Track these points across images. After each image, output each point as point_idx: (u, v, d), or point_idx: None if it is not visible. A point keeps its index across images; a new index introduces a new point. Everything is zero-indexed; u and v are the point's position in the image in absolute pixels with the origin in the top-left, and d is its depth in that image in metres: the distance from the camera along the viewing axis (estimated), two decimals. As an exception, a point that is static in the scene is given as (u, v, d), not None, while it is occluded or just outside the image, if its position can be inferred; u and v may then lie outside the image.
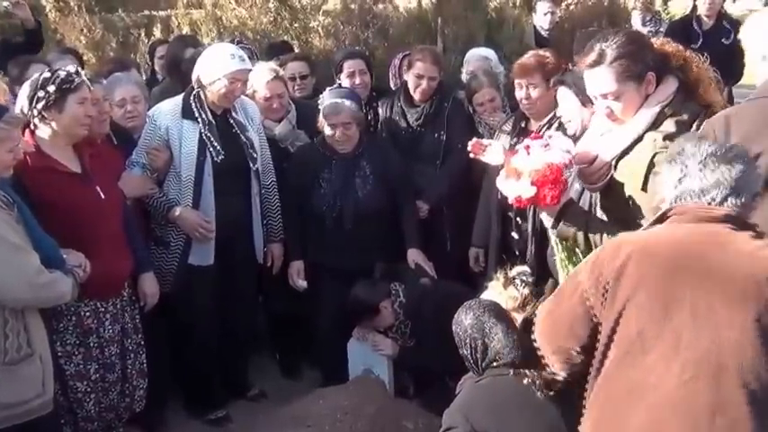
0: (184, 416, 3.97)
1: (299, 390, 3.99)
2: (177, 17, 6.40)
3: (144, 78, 5.23)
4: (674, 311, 1.79)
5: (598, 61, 2.39)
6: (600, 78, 2.41)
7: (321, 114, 3.88)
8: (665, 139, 2.29)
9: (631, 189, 2.37)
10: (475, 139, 2.91)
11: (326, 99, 3.90)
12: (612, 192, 2.44)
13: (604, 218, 2.55)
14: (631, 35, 2.47)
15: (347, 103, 3.84)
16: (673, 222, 1.94)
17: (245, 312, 3.99)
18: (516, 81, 3.65)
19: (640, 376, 1.81)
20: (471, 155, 2.92)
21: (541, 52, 3.72)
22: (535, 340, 2.17)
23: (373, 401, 3.47)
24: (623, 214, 2.38)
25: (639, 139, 2.38)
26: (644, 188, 2.30)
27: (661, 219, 1.98)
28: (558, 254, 2.64)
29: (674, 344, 1.78)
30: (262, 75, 4.04)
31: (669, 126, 2.32)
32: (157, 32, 6.31)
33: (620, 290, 1.87)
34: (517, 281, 2.70)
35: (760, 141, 2.32)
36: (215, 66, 3.60)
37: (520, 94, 3.64)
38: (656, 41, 2.52)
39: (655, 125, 2.37)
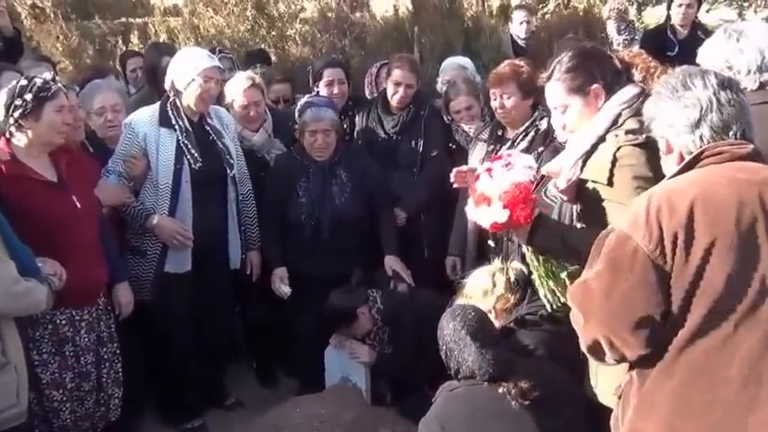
0: (160, 425, 3.95)
1: (275, 398, 3.99)
2: (154, 25, 6.39)
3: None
4: (755, 256, 1.76)
5: (549, 76, 2.47)
6: (549, 92, 2.48)
7: (299, 122, 3.88)
8: (627, 133, 2.29)
9: (598, 186, 2.35)
10: (455, 170, 2.83)
11: (305, 107, 3.91)
12: (584, 196, 2.42)
13: (581, 225, 2.48)
14: (580, 50, 2.48)
15: (327, 111, 3.87)
16: (710, 165, 1.86)
17: (221, 320, 3.98)
18: (491, 90, 3.69)
19: (731, 330, 1.76)
20: (455, 185, 2.84)
21: (516, 62, 3.76)
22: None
23: (350, 409, 3.47)
24: (598, 217, 2.34)
25: (602, 139, 2.37)
26: (609, 183, 2.27)
27: (692, 163, 1.89)
28: (535, 270, 2.55)
29: (762, 289, 1.76)
30: (238, 83, 4.05)
31: (632, 124, 2.31)
32: (134, 40, 6.30)
33: (695, 241, 1.77)
34: (512, 279, 2.76)
35: None
36: (187, 67, 3.61)
37: (494, 103, 3.68)
38: (628, 53, 2.53)
39: (616, 125, 2.36)
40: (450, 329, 2.52)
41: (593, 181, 2.32)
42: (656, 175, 2.12)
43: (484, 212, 2.41)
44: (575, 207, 2.45)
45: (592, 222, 2.34)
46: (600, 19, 6.83)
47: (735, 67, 2.80)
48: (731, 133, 1.87)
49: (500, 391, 2.40)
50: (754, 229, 1.77)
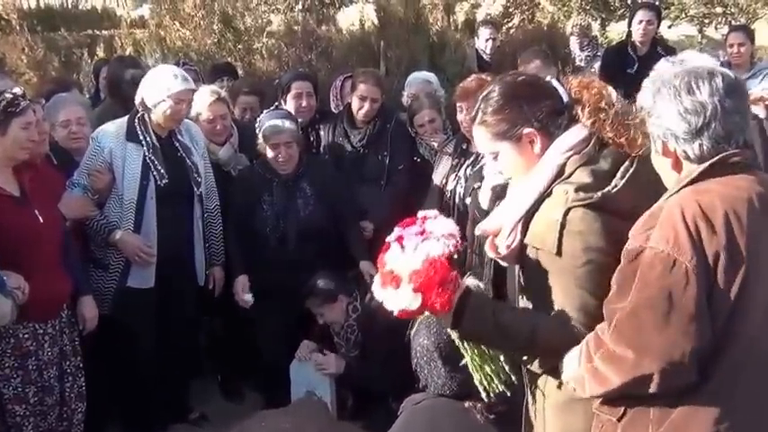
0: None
1: (240, 412, 3.97)
2: (120, 37, 6.36)
3: (87, 97, 5.19)
4: None
5: (473, 118, 2.12)
6: (476, 137, 2.14)
7: (261, 137, 3.90)
8: (577, 190, 1.91)
9: (544, 254, 1.96)
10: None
11: (265, 121, 3.92)
12: (528, 263, 2.03)
13: (524, 300, 2.11)
14: (507, 86, 2.06)
15: (287, 123, 3.88)
16: (726, 177, 1.78)
17: (185, 335, 3.97)
18: (458, 104, 3.76)
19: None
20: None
21: (483, 76, 3.83)
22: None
23: (315, 423, 3.47)
24: (545, 290, 1.99)
25: (547, 194, 1.99)
26: (558, 252, 1.91)
27: (705, 174, 1.79)
28: (465, 354, 2.15)
29: None
30: (204, 97, 4.06)
31: (583, 177, 1.94)
32: (100, 52, 6.27)
33: (735, 263, 1.69)
34: None
35: None
36: (159, 87, 3.60)
37: (460, 116, 3.75)
38: (578, 82, 2.11)
39: (563, 177, 1.98)
40: (422, 347, 2.49)
41: (536, 248, 1.98)
42: (612, 242, 1.87)
43: (392, 295, 1.94)
44: (517, 275, 2.09)
45: (537, 296, 2.02)
46: (563, 35, 6.95)
47: None
48: (732, 141, 1.78)
49: (465, 405, 2.40)
50: None
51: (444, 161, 3.96)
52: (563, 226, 1.90)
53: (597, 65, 6.52)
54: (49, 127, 3.64)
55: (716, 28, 12.43)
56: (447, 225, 2.04)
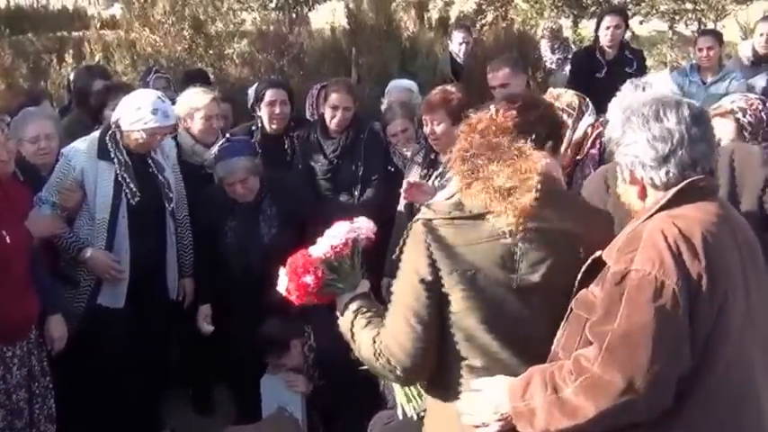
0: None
1: (211, 426, 3.98)
2: (90, 42, 6.28)
3: (58, 110, 5.11)
4: (749, 293, 1.79)
5: None
6: None
7: (215, 175, 3.82)
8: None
9: None
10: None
11: (217, 158, 3.80)
12: None
13: None
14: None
15: (241, 160, 3.74)
16: (696, 203, 1.82)
17: (156, 352, 3.94)
18: (423, 117, 3.77)
19: (747, 361, 1.80)
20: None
21: (448, 88, 3.84)
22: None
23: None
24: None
25: None
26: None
27: (675, 200, 1.81)
28: None
29: (749, 317, 1.78)
30: (201, 96, 4.06)
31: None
32: (69, 58, 6.18)
33: (716, 285, 1.72)
34: None
35: None
36: (136, 116, 3.56)
37: (426, 129, 3.76)
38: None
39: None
40: None
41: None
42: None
43: (282, 278, 2.20)
44: None
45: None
46: (534, 38, 6.98)
47: None
48: (698, 169, 1.82)
49: None
50: (736, 266, 1.79)
51: (414, 171, 3.97)
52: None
53: (568, 68, 6.57)
54: (17, 142, 3.59)
55: (686, 24, 12.56)
56: (361, 223, 2.20)
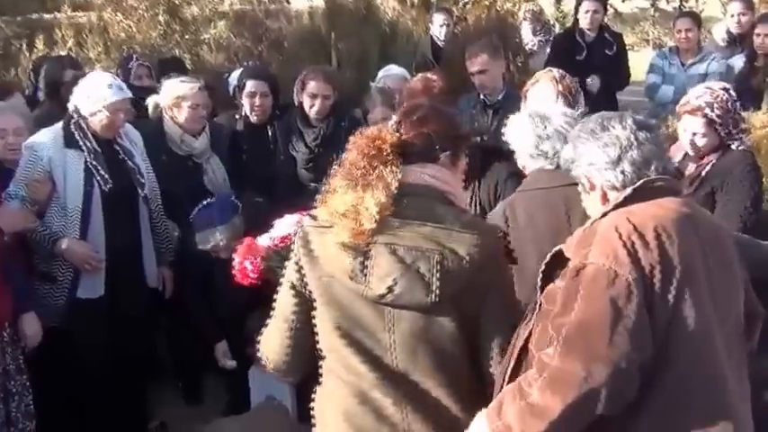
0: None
1: (201, 416, 3.92)
2: (61, 28, 6.11)
3: (25, 96, 4.98)
4: (712, 288, 1.84)
5: None
6: None
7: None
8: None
9: None
10: None
11: (194, 229, 3.75)
12: None
13: None
14: None
15: (215, 231, 3.65)
16: (653, 200, 1.89)
17: (139, 341, 3.88)
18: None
19: (711, 354, 1.82)
20: None
21: (429, 75, 3.81)
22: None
23: (276, 429, 3.45)
24: None
25: None
26: None
27: (632, 198, 1.89)
28: None
29: (712, 315, 1.82)
30: (187, 84, 4.01)
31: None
32: (40, 44, 6.02)
33: (670, 275, 1.77)
34: None
35: (533, 225, 2.63)
36: (93, 97, 3.51)
37: (408, 119, 3.69)
38: None
39: None
40: None
41: None
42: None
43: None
44: None
45: None
46: (515, 23, 6.91)
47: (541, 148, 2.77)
48: (652, 168, 1.92)
49: None
50: (697, 261, 1.83)
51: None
52: None
53: (548, 50, 6.54)
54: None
55: (667, 1, 12.58)
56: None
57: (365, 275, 1.92)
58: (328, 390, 2.07)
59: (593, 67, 5.76)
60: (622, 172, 1.92)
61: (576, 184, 2.10)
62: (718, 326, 1.84)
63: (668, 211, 1.86)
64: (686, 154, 3.43)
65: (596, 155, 1.95)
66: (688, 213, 1.89)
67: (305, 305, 2.04)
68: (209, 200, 3.81)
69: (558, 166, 2.57)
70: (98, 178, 3.55)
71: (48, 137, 3.57)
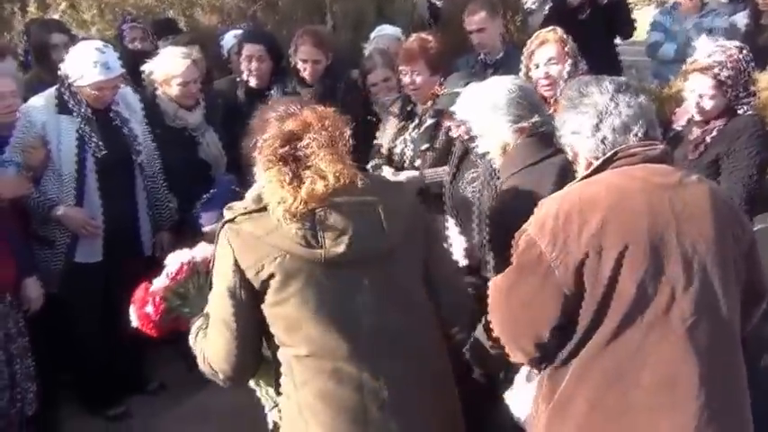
0: (84, 415, 3.86)
1: (201, 380, 3.92)
2: (54, -11, 6.00)
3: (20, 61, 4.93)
4: (666, 263, 1.77)
5: None
6: None
7: None
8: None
9: None
10: None
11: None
12: None
13: None
14: None
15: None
16: (622, 167, 1.86)
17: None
18: (400, 67, 3.67)
19: (643, 336, 1.77)
20: None
21: (424, 35, 3.75)
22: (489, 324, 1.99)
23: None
24: None
25: None
26: None
27: (605, 165, 1.88)
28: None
29: (671, 294, 1.76)
30: (177, 60, 3.88)
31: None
32: (32, 8, 5.93)
33: (605, 252, 1.76)
34: None
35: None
36: (79, 72, 3.48)
37: (405, 80, 3.67)
38: None
39: None
40: None
41: None
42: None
43: (131, 313, 2.33)
44: None
45: None
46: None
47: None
48: (632, 134, 1.87)
49: None
50: (666, 236, 1.77)
51: (391, 122, 3.88)
52: None
53: (549, 6, 6.41)
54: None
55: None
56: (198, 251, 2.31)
57: (317, 240, 1.91)
58: (298, 391, 2.00)
59: (596, 26, 5.64)
60: (603, 140, 1.89)
61: None
62: (671, 302, 1.77)
63: (635, 182, 1.82)
64: (690, 119, 3.30)
65: (577, 123, 1.93)
66: (662, 184, 1.83)
67: (248, 304, 1.96)
68: (209, 193, 3.77)
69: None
70: (91, 145, 3.54)
71: (41, 102, 3.55)
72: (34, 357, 3.36)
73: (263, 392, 2.26)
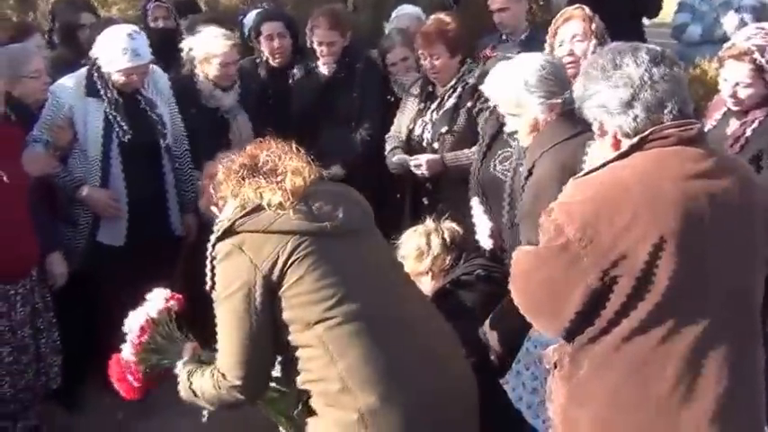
0: (102, 390, 3.88)
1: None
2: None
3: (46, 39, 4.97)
4: (702, 254, 1.72)
5: None
6: None
7: None
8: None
9: None
10: None
11: None
12: None
13: None
14: None
15: None
16: (655, 150, 1.76)
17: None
18: (419, 51, 3.67)
19: (671, 327, 1.73)
20: None
21: (441, 17, 3.72)
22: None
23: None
24: None
25: None
26: None
27: (634, 149, 1.78)
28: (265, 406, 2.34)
29: (704, 286, 1.72)
30: (219, 41, 3.90)
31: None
32: (58, -13, 5.97)
33: (640, 243, 1.69)
34: (447, 239, 2.77)
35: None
36: (108, 58, 3.51)
37: (425, 63, 3.68)
38: None
39: None
40: None
41: None
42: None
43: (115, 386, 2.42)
44: None
45: None
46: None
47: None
48: (666, 111, 1.77)
49: None
50: (701, 226, 1.71)
51: (411, 103, 3.89)
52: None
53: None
54: (9, 81, 3.49)
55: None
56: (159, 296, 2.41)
57: (320, 215, 2.06)
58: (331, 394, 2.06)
59: (622, 4, 5.54)
60: (635, 118, 1.77)
61: None
62: (705, 294, 1.74)
63: (668, 170, 1.73)
64: (726, 112, 2.96)
65: (607, 97, 1.79)
66: (696, 172, 1.74)
67: (268, 306, 2.04)
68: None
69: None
70: (117, 129, 3.57)
71: (71, 83, 3.60)
72: (59, 332, 3.42)
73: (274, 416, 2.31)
